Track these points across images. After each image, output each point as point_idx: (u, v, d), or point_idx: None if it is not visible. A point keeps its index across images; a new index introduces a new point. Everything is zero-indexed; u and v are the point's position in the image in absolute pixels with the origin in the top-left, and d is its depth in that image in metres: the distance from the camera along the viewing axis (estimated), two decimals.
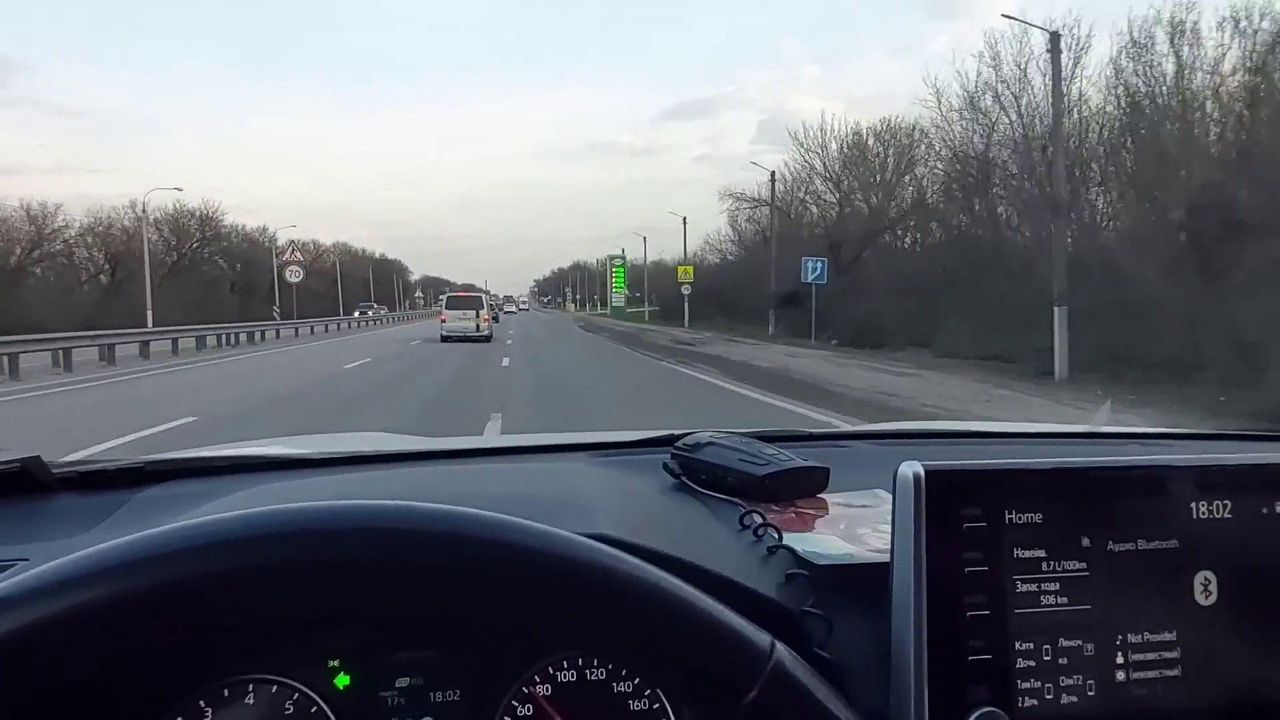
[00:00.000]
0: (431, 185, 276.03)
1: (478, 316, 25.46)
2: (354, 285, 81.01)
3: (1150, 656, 0.62)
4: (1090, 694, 0.60)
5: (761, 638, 0.49)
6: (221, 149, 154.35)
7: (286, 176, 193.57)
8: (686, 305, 38.08)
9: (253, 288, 55.45)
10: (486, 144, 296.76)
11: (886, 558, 0.62)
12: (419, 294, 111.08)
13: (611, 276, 68.10)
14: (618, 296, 66.73)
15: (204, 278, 50.97)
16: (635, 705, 0.65)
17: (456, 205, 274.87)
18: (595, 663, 0.65)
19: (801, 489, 0.89)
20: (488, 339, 25.13)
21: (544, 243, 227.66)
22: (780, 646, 0.50)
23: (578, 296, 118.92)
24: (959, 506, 0.60)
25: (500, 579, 0.47)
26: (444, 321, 25.68)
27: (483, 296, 28.46)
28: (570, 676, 0.65)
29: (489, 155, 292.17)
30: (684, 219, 54.27)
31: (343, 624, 0.62)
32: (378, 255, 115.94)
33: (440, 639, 0.64)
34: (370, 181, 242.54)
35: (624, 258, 68.71)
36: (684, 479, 0.92)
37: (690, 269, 40.68)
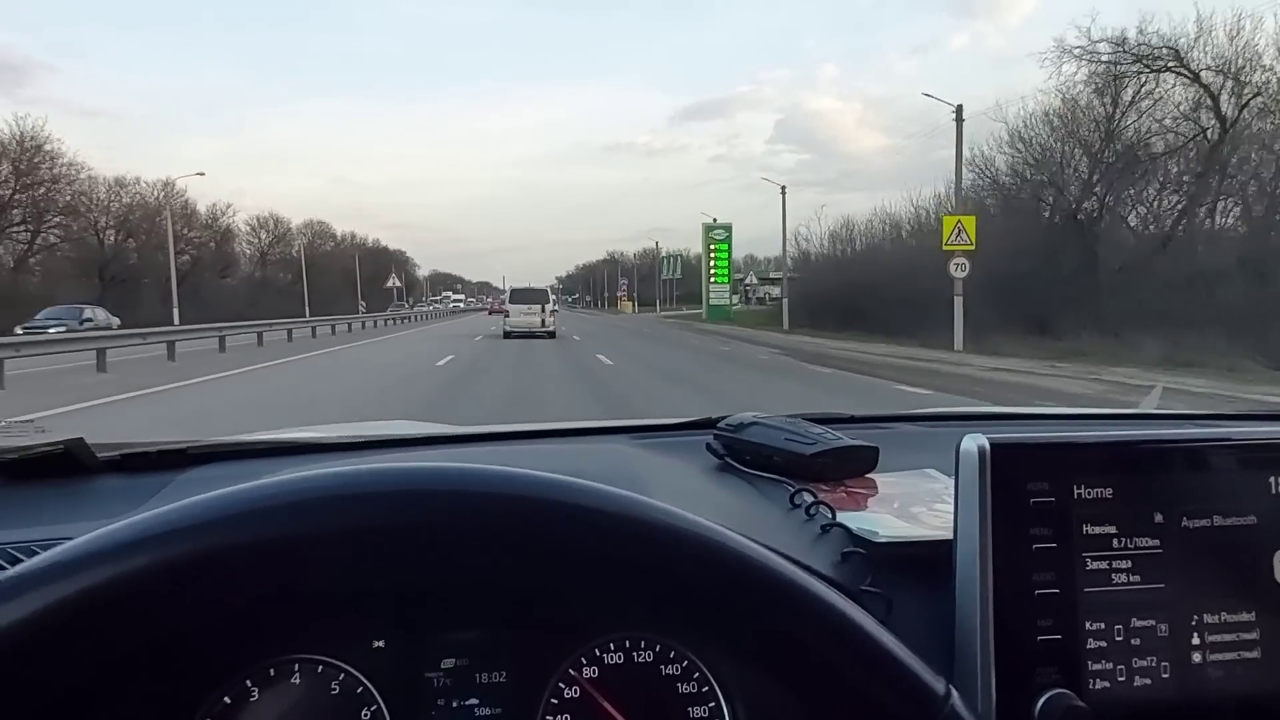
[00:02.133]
0: (448, 186, 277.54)
1: (543, 311, 25.22)
2: (331, 279, 60.39)
3: (1227, 637, 0.59)
4: (1164, 676, 0.58)
5: (938, 683, 0.48)
6: (240, 150, 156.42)
7: (305, 178, 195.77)
8: (959, 303, 17.85)
9: (133, 273, 36.41)
10: (503, 146, 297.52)
11: (946, 535, 0.60)
12: (393, 282, 68.25)
13: (710, 261, 45.67)
14: (719, 290, 45.70)
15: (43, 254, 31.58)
16: (684, 688, 0.63)
17: (472, 206, 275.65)
18: (642, 645, 0.63)
19: (851, 468, 0.87)
20: (552, 335, 24.63)
21: (561, 243, 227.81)
22: (955, 692, 0.48)
23: (610, 295, 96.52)
24: (1025, 481, 0.57)
25: (675, 580, 0.46)
26: (507, 316, 25.78)
27: (547, 290, 28.14)
28: (617, 659, 0.63)
29: (506, 157, 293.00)
30: (957, 108, 19.54)
31: (391, 603, 0.61)
32: (370, 241, 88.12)
33: (487, 619, 0.63)
34: (388, 184, 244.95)
35: (728, 231, 46.76)
36: (728, 459, 0.90)
37: (971, 222, 17.84)
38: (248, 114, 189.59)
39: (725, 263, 45.91)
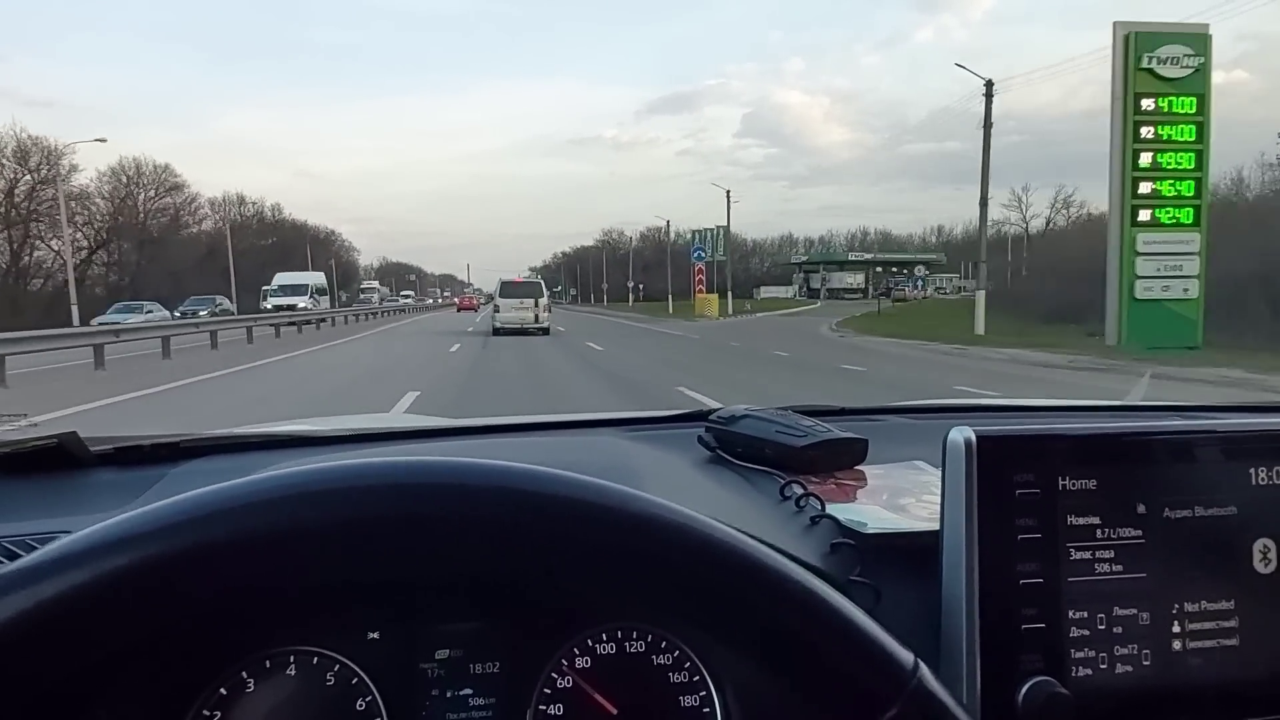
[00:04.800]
0: (411, 180, 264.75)
1: (536, 306, 23.22)
2: (186, 260, 38.84)
3: (1207, 625, 0.60)
4: (1146, 663, 0.59)
5: (906, 654, 0.48)
6: (196, 142, 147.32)
7: (266, 171, 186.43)
8: None
9: None
10: (467, 139, 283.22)
11: (934, 526, 0.61)
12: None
13: (1143, 165, 15.06)
14: (1165, 249, 15.39)
15: None
16: (675, 678, 0.64)
17: (436, 199, 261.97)
18: (635, 635, 0.64)
19: (840, 460, 0.88)
20: (546, 331, 22.64)
21: (526, 237, 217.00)
22: (923, 664, 0.48)
23: (611, 287, 73.44)
24: (1011, 472, 0.58)
25: (650, 565, 0.46)
26: (497, 311, 23.62)
27: (540, 284, 25.46)
28: (609, 649, 0.64)
29: (469, 150, 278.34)
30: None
31: (385, 595, 0.62)
32: (268, 209, 62.98)
33: (481, 611, 0.63)
34: (350, 177, 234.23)
35: (1202, 53, 15.20)
36: (719, 451, 0.91)
37: None
38: (202, 106, 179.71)
39: (1193, 188, 16.29)
